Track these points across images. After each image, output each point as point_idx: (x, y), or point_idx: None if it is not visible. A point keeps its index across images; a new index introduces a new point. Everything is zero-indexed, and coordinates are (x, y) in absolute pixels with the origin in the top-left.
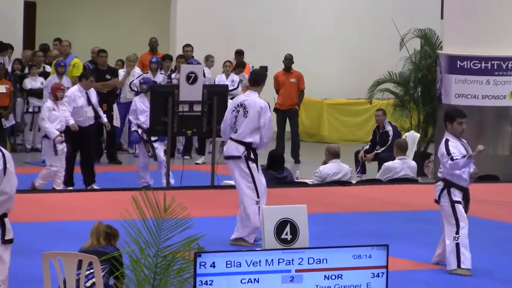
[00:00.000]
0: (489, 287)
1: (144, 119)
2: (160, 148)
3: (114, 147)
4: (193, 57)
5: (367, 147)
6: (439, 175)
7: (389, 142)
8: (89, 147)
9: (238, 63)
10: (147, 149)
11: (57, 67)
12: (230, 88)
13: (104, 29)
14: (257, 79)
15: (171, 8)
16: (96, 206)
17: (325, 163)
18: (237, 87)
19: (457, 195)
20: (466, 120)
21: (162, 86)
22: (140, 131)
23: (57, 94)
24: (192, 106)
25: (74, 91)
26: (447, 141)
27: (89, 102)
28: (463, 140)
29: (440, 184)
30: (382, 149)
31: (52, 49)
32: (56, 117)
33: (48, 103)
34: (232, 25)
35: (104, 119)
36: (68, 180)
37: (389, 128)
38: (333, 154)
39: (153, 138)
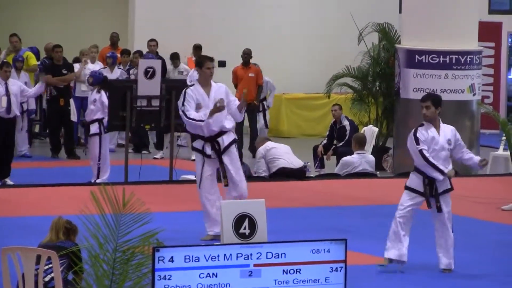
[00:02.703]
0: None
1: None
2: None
3: (72, 142)
4: (157, 52)
5: (325, 141)
6: None
7: (347, 137)
8: (12, 139)
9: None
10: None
11: (15, 62)
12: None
13: (64, 24)
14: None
15: (129, 2)
16: (54, 201)
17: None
18: None
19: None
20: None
21: (120, 81)
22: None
23: None
24: (150, 100)
25: None
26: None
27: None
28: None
29: None
30: (340, 143)
31: (9, 46)
32: None
33: None
34: (191, 20)
35: (16, 112)
36: None
37: (346, 123)
38: (266, 139)
39: (92, 132)
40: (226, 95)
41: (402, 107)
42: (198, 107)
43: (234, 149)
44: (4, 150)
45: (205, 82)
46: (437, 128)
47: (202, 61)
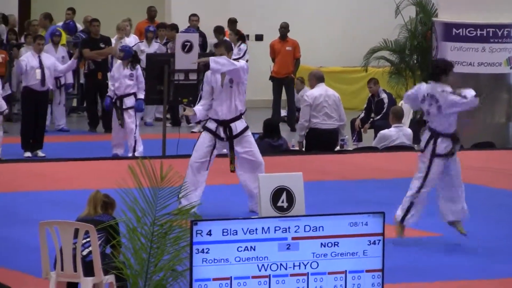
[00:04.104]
0: (483, 253)
1: (117, 84)
2: (132, 117)
3: (110, 116)
4: (198, 27)
5: (362, 115)
6: None
7: (384, 110)
8: (44, 112)
9: (238, 35)
10: (118, 116)
11: (52, 36)
12: (236, 57)
13: None
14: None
15: None
16: (91, 175)
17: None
18: (243, 55)
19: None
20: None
21: (158, 55)
22: (113, 97)
23: None
24: (187, 74)
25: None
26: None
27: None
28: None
29: None
30: (378, 117)
31: (66, 18)
32: None
33: None
34: None
35: (49, 86)
36: (26, 145)
37: (384, 96)
38: (318, 78)
39: (127, 106)
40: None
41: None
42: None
43: (249, 135)
44: (36, 122)
45: None
46: None
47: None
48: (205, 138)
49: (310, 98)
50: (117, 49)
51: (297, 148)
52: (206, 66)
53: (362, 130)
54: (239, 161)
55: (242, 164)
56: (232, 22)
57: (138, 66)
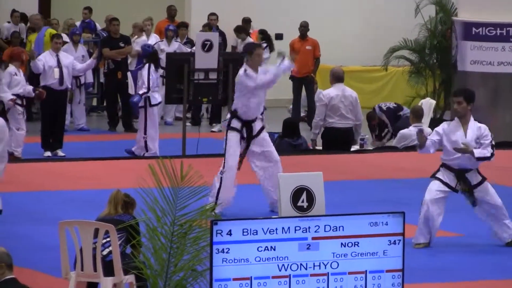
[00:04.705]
0: (505, 252)
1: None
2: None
3: (129, 115)
4: (217, 26)
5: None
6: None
7: (388, 128)
8: (63, 111)
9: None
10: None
11: (71, 36)
12: None
13: None
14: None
15: None
16: (111, 175)
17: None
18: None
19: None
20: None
21: (178, 54)
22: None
23: (22, 58)
24: (207, 73)
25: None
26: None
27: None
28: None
29: None
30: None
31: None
32: (18, 82)
33: (11, 69)
34: None
35: (68, 85)
36: (46, 144)
37: (384, 118)
38: (336, 78)
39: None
40: None
41: (459, 80)
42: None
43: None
44: (56, 122)
45: (255, 68)
46: (466, 124)
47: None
48: (235, 139)
49: (326, 98)
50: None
51: (310, 146)
52: None
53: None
54: (255, 159)
55: (259, 160)
56: (246, 21)
57: (146, 66)
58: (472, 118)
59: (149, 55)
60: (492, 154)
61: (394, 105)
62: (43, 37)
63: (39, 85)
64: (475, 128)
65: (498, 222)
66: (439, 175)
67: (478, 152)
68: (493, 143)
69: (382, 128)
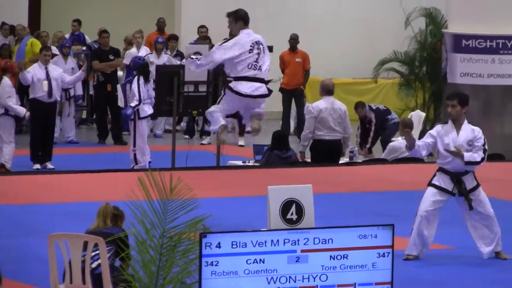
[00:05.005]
0: (497, 265)
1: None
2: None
3: (119, 128)
4: (208, 37)
5: (359, 140)
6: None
7: (373, 128)
8: (52, 124)
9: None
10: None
11: (61, 48)
12: None
13: (111, 8)
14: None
15: None
16: (101, 187)
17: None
18: None
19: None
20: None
21: (167, 67)
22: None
23: (15, 70)
24: (197, 86)
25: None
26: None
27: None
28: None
29: None
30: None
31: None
32: (14, 93)
33: (7, 81)
34: (237, 5)
35: (57, 97)
36: (35, 157)
37: (371, 115)
38: (325, 91)
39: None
40: None
41: (449, 92)
42: None
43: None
44: (45, 134)
45: None
46: (459, 127)
47: None
48: None
49: (315, 110)
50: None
51: (299, 158)
52: None
53: (363, 152)
54: None
55: None
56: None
57: (135, 78)
58: (466, 121)
59: (139, 67)
60: (483, 159)
61: (384, 107)
62: (25, 47)
63: (28, 97)
64: (469, 130)
65: (482, 233)
66: (435, 180)
67: (468, 156)
68: (486, 147)
69: (367, 132)
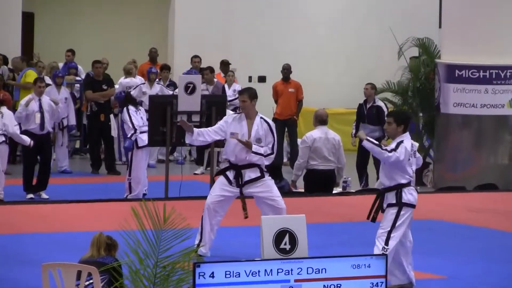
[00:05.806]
0: None
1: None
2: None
3: (112, 157)
4: (201, 68)
5: (354, 127)
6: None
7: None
8: (48, 155)
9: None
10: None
11: (54, 78)
12: (231, 98)
13: (103, 37)
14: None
15: (169, 18)
16: (94, 217)
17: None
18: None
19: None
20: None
21: (161, 97)
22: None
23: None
24: (190, 116)
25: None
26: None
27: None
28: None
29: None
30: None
31: (65, 59)
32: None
33: (8, 110)
34: (231, 35)
35: (49, 129)
36: (28, 187)
37: (380, 103)
38: (319, 121)
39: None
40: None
41: (442, 122)
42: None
43: (265, 180)
44: (41, 166)
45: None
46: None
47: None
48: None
49: (309, 140)
50: (133, 92)
51: (292, 188)
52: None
53: (353, 140)
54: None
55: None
56: (225, 64)
57: (124, 109)
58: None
59: (123, 100)
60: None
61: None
62: (21, 79)
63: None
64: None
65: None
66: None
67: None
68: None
69: (371, 113)
